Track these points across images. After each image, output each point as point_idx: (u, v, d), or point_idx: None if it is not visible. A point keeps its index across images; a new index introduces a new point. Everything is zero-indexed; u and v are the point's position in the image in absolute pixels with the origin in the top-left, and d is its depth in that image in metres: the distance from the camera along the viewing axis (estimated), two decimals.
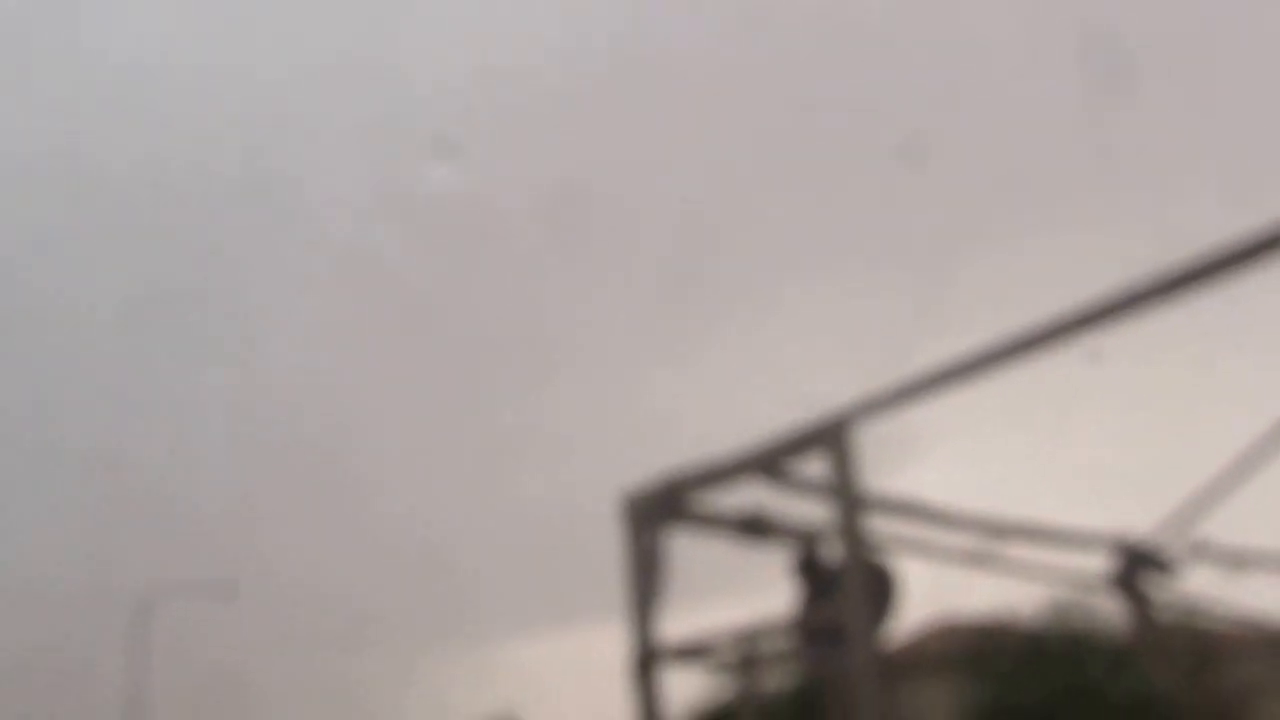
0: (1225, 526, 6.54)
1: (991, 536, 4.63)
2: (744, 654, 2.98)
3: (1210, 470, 6.25)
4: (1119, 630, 19.32)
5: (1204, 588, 6.98)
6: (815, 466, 3.25)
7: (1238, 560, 6.61)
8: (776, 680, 20.67)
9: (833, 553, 3.36)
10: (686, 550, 3.61)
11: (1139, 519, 6.48)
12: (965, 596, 21.94)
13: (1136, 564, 6.23)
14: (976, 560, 4.70)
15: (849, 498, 2.84)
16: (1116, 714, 18.36)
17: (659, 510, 3.51)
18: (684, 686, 22.82)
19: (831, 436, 3.02)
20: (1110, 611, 17.68)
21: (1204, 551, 6.48)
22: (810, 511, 3.75)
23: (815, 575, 3.64)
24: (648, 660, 2.87)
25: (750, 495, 3.76)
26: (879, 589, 3.05)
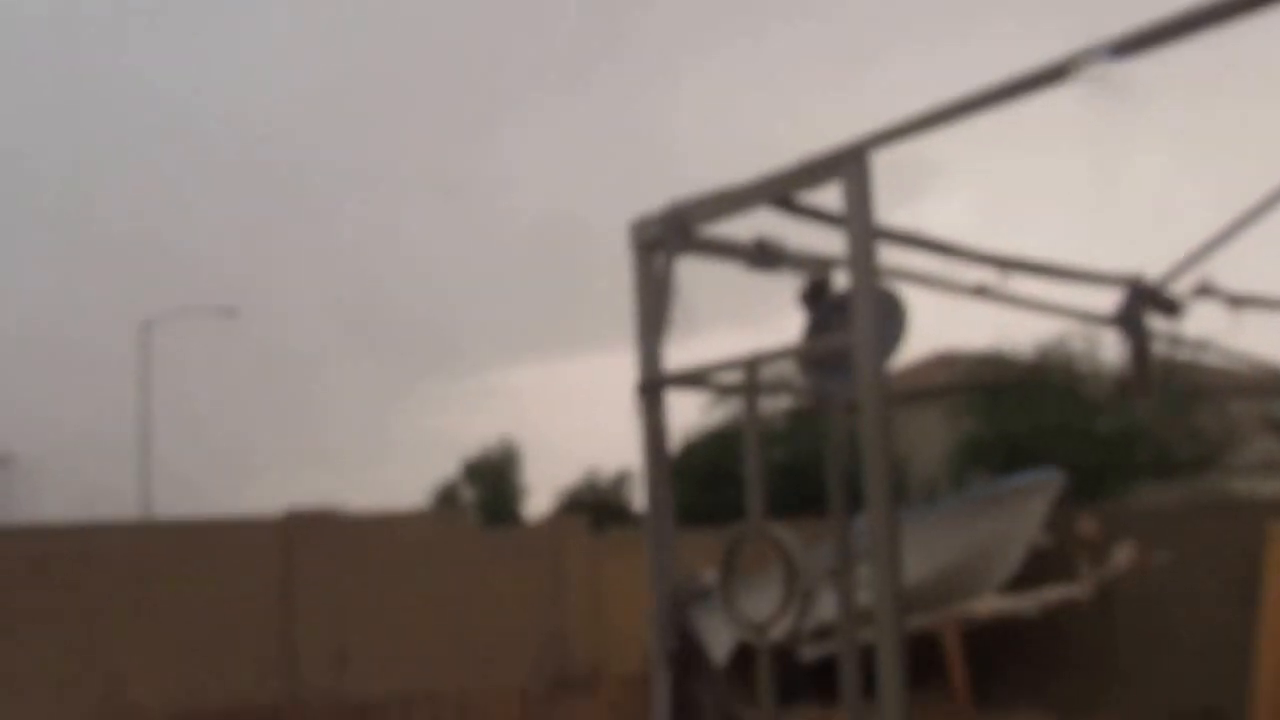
0: (1232, 269, 6.55)
1: (1000, 270, 4.62)
2: (747, 381, 3.00)
3: (1223, 213, 6.21)
4: (1116, 367, 19.69)
5: (1205, 329, 7.06)
6: (828, 196, 3.19)
7: (1241, 302, 6.64)
8: (779, 408, 21.28)
9: (842, 282, 3.34)
10: (694, 278, 3.61)
11: (1148, 258, 6.48)
12: (967, 330, 22.27)
13: (1142, 301, 6.25)
14: (983, 294, 4.71)
15: (862, 227, 2.79)
16: (1107, 448, 18.89)
17: (668, 237, 3.47)
18: (687, 412, 23.43)
19: (847, 165, 2.94)
20: (1109, 349, 17.99)
21: (1209, 292, 6.50)
22: (821, 241, 3.73)
23: (823, 304, 3.65)
24: (652, 386, 2.88)
25: (761, 224, 3.73)
26: (887, 318, 3.05)
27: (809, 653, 9.57)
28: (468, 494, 28.92)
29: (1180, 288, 6.40)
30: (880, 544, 2.35)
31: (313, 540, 14.41)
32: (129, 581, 13.24)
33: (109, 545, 13.43)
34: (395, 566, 14.78)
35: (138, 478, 29.82)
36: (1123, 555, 12.29)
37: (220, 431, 38.61)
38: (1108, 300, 6.35)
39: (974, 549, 12.17)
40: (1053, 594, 12.36)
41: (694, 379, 2.93)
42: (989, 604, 12.29)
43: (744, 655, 7.96)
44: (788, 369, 4.32)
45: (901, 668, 2.34)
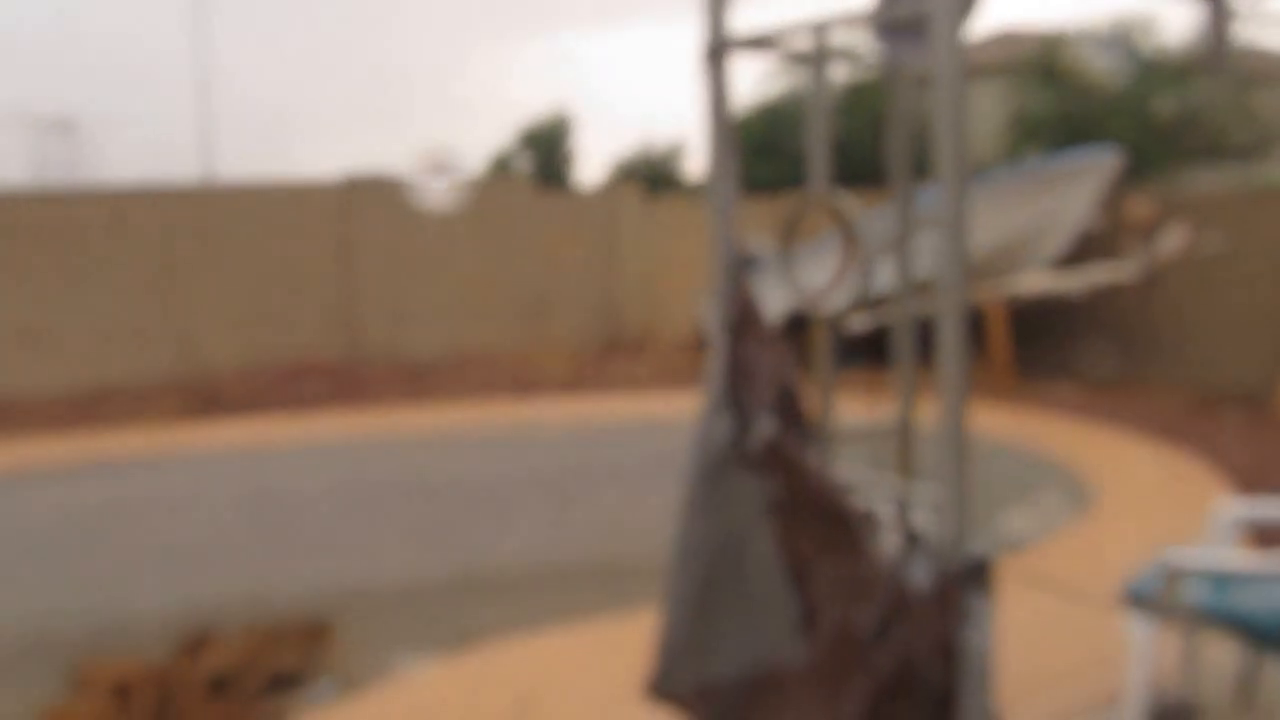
0: None
1: None
2: (816, 46, 2.94)
3: None
4: (1180, 52, 19.02)
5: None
6: None
7: None
8: (840, 80, 20.87)
9: None
10: None
11: None
12: (1036, 8, 21.41)
13: None
14: None
15: None
16: (1163, 130, 18.49)
17: None
18: (745, 85, 22.97)
19: None
20: (1172, 29, 17.31)
21: None
22: None
23: None
24: (718, 50, 2.84)
25: None
26: None
27: (860, 322, 9.77)
28: (523, 161, 28.87)
29: None
30: (950, 216, 2.38)
31: (372, 204, 14.58)
32: (196, 243, 13.57)
33: (176, 207, 13.68)
34: (452, 230, 15.00)
35: (199, 138, 29.93)
36: (1172, 238, 12.23)
37: (281, 96, 38.36)
38: None
39: (1024, 226, 12.14)
40: (1099, 274, 12.40)
41: (761, 43, 2.88)
42: (1035, 281, 12.37)
43: (793, 323, 8.13)
44: (856, 37, 4.21)
45: (963, 334, 2.42)
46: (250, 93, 35.89)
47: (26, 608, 9.01)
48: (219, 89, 30.44)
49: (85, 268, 13.34)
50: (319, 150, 36.98)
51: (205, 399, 12.63)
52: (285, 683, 8.21)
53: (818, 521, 2.78)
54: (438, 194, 15.28)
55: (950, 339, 2.50)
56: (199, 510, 9.66)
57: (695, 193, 27.34)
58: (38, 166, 17.97)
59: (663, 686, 3.01)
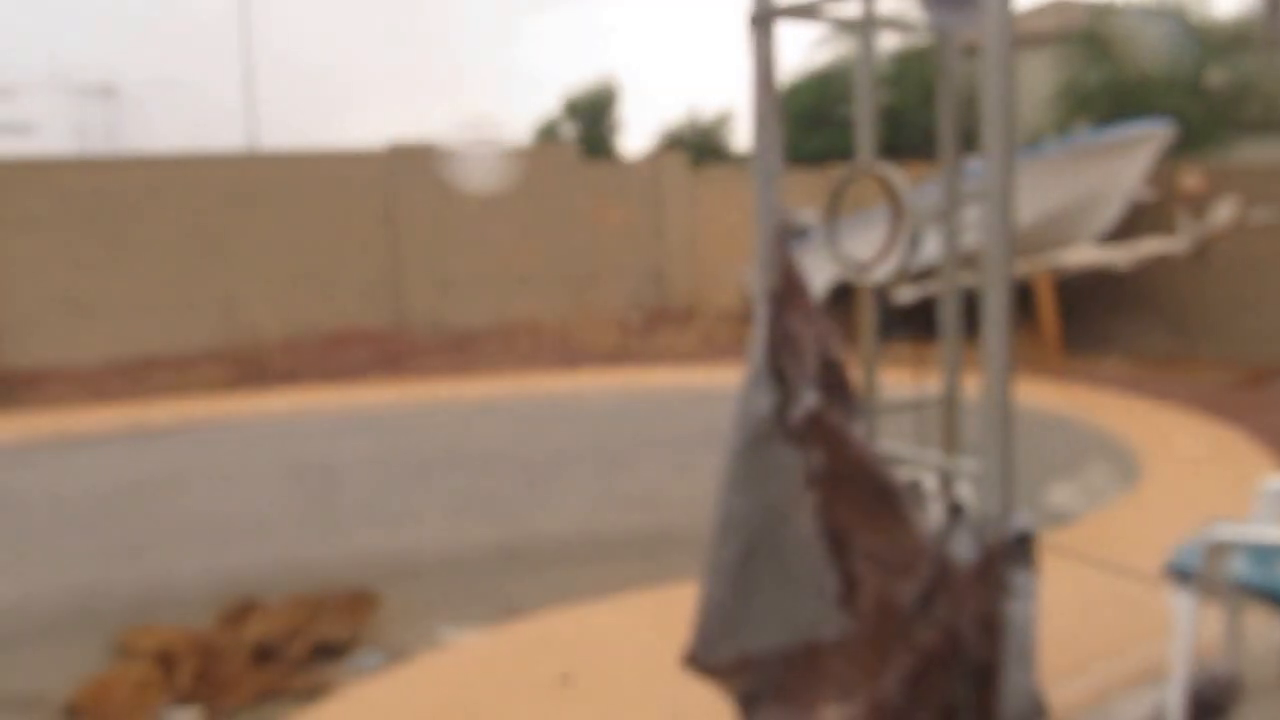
0: None
1: None
2: (865, 13, 2.92)
3: None
4: (1231, 23, 18.69)
5: None
6: None
7: None
8: (896, 44, 20.70)
9: None
10: None
11: None
12: None
13: None
14: None
15: None
16: (1215, 101, 18.20)
17: None
18: (789, 55, 22.79)
19: None
20: (1230, 3, 17.00)
21: None
22: None
23: None
24: (765, 17, 2.82)
25: None
26: None
27: (905, 294, 9.71)
28: (568, 130, 28.82)
29: None
30: (996, 188, 2.35)
31: (417, 172, 14.63)
32: (240, 210, 13.67)
33: (220, 174, 13.78)
34: (497, 199, 15.03)
35: (243, 105, 30.08)
36: (1223, 211, 12.06)
37: (326, 63, 38.51)
38: None
39: (1073, 198, 12.00)
40: (1149, 247, 12.26)
41: (808, 10, 2.85)
42: (1084, 254, 12.25)
43: (836, 294, 8.11)
44: (904, 4, 4.15)
45: (1009, 307, 2.40)
46: (296, 59, 36.03)
47: (72, 576, 9.17)
48: (264, 55, 30.55)
49: (129, 235, 13.47)
50: (364, 118, 37.09)
51: (249, 367, 12.75)
52: (329, 652, 8.31)
53: (860, 494, 2.77)
54: (482, 162, 15.31)
55: (995, 311, 2.48)
56: (243, 480, 9.76)
57: (742, 163, 27.20)
58: (81, 133, 18.13)
59: (702, 658, 3.01)
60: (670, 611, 3.78)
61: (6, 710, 7.61)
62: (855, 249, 3.05)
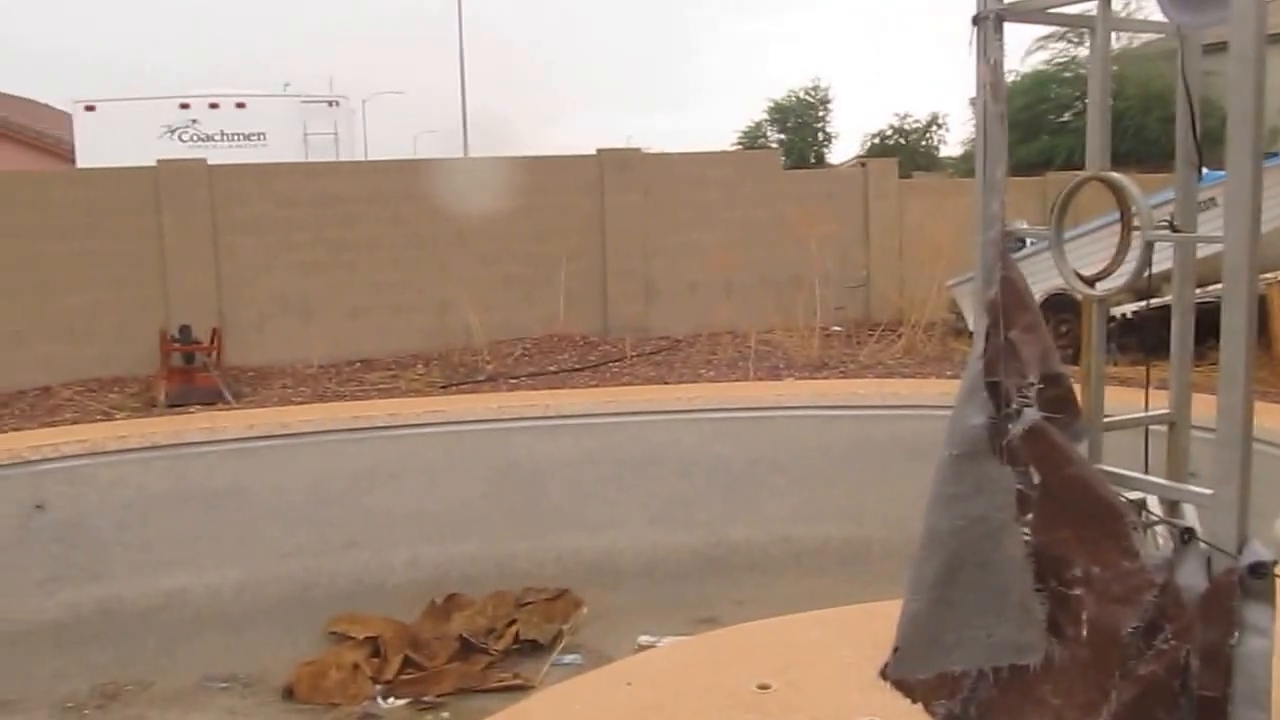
0: None
1: None
2: (1100, 10, 2.78)
3: None
4: None
5: None
6: None
7: None
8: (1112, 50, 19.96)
9: None
10: None
11: None
12: None
13: None
14: None
15: None
16: None
17: None
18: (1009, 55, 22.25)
19: None
20: None
21: None
22: None
23: None
24: (991, 16, 2.72)
25: None
26: None
27: (1128, 308, 9.31)
28: (774, 136, 28.72)
29: None
30: (1241, 197, 2.20)
31: (623, 178, 14.77)
32: (453, 215, 14.04)
33: (434, 180, 14.18)
34: (703, 206, 15.05)
35: (457, 119, 31.07)
36: None
37: (535, 73, 39.43)
38: None
39: None
40: None
41: (1036, 9, 2.74)
42: None
43: (1048, 305, 7.82)
44: (1137, 3, 3.96)
45: (1251, 324, 2.24)
46: (510, 67, 36.97)
47: (291, 564, 9.56)
48: (479, 63, 31.46)
49: (349, 240, 13.98)
50: (575, 125, 37.84)
51: (460, 369, 13.08)
52: (530, 649, 8.45)
53: (1079, 515, 2.65)
54: (683, 169, 15.35)
55: (1236, 327, 2.32)
56: (451, 477, 10.01)
57: (951, 169, 26.59)
58: (305, 141, 19.04)
59: (902, 674, 2.93)
60: (872, 626, 3.70)
61: (230, 690, 8.00)
62: (1076, 260, 2.92)
